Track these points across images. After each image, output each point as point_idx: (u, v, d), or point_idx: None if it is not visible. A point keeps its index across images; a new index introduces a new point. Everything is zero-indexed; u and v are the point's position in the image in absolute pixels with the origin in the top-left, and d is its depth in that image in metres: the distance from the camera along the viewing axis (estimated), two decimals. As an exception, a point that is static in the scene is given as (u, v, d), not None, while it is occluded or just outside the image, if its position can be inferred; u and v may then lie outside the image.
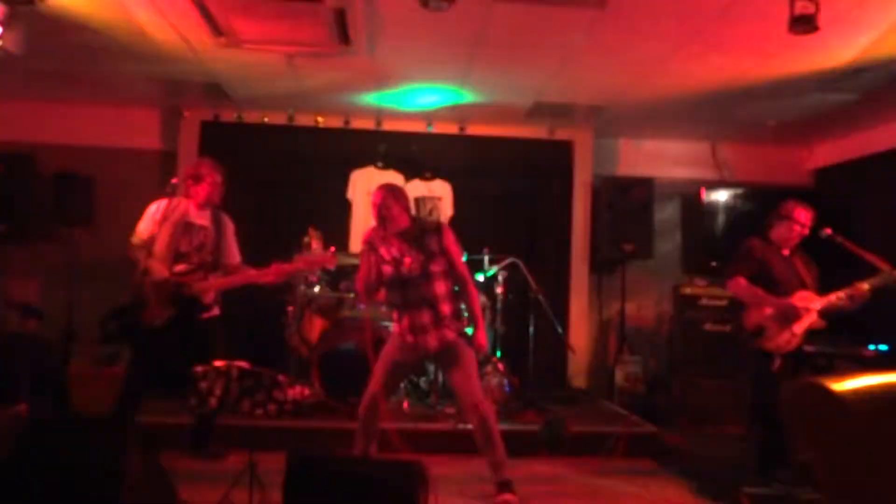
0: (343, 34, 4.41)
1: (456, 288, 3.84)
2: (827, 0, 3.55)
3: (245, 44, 4.61)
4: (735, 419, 5.63)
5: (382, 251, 3.78)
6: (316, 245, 5.62)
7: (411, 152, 6.50)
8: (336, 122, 6.43)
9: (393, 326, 4.06)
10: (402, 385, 5.14)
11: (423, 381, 5.30)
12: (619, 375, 6.30)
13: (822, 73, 4.86)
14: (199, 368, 3.42)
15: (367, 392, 3.82)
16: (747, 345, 4.23)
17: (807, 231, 4.25)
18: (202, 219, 4.34)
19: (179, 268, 4.23)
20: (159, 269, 4.16)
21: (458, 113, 6.23)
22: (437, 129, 6.55)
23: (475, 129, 6.60)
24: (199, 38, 4.55)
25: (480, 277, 5.69)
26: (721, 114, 5.99)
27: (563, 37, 4.41)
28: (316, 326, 5.56)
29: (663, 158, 6.99)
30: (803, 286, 4.22)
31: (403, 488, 2.93)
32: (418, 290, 3.74)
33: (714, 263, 6.33)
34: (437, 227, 3.82)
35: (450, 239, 3.78)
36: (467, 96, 5.77)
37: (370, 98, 5.92)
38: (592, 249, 6.70)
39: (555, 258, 6.76)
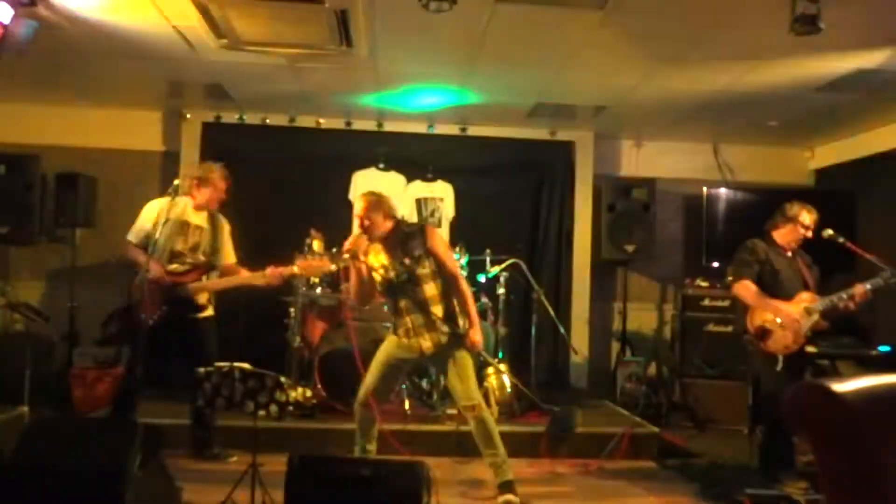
0: (345, 36, 4.41)
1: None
2: (829, 0, 3.55)
3: (247, 46, 4.61)
4: (737, 420, 5.63)
5: (370, 259, 3.81)
6: (318, 247, 5.62)
7: (413, 153, 6.51)
8: (337, 124, 6.44)
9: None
10: (403, 386, 5.14)
11: (424, 382, 5.30)
12: (620, 376, 6.29)
13: (822, 74, 4.86)
14: (202, 370, 3.42)
15: (362, 387, 3.86)
16: (750, 346, 4.22)
17: (811, 234, 4.25)
18: (199, 219, 4.35)
19: (174, 267, 4.24)
20: (155, 268, 4.16)
21: (460, 114, 6.24)
22: (439, 129, 6.56)
23: (477, 130, 6.61)
24: (201, 40, 4.56)
25: (482, 278, 5.70)
26: (723, 114, 5.99)
27: (564, 38, 4.41)
28: (317, 328, 5.56)
29: (665, 159, 6.99)
30: (806, 287, 4.21)
31: (405, 489, 2.93)
32: (409, 294, 3.75)
33: (716, 264, 6.33)
34: (421, 230, 3.82)
35: (434, 240, 3.78)
36: (469, 97, 5.77)
37: (371, 99, 5.92)
38: (594, 250, 6.70)
39: (556, 259, 6.76)
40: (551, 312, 5.60)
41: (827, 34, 3.66)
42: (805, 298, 4.15)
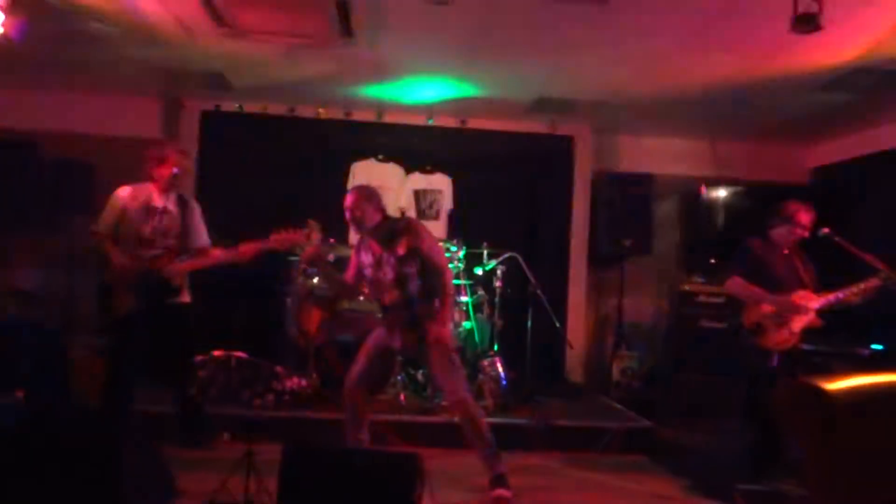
0: (345, 26, 4.41)
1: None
2: (830, -1, 3.55)
3: (247, 34, 4.61)
4: (730, 416, 5.65)
5: (363, 253, 3.86)
6: (315, 237, 5.62)
7: (412, 145, 6.51)
8: (337, 114, 6.43)
9: None
10: (399, 377, 5.16)
11: (420, 374, 5.32)
12: (615, 371, 6.32)
13: (822, 72, 4.86)
14: (198, 358, 3.43)
15: (350, 375, 3.88)
16: (745, 342, 4.25)
17: (807, 233, 4.27)
18: (166, 202, 4.29)
19: (144, 253, 4.19)
20: (121, 257, 4.15)
21: (460, 106, 6.23)
22: (438, 122, 6.54)
23: (476, 123, 6.60)
24: (201, 27, 4.55)
25: (479, 271, 5.71)
26: (721, 111, 5.99)
27: (565, 32, 4.41)
28: (314, 318, 5.57)
29: (663, 155, 6.99)
30: (802, 285, 4.24)
31: (399, 480, 2.95)
32: (393, 291, 3.77)
33: (713, 260, 6.34)
34: (406, 226, 3.82)
35: (420, 236, 3.77)
36: (469, 90, 5.76)
37: (371, 90, 5.91)
38: (591, 245, 6.72)
39: (554, 253, 6.77)
40: (547, 306, 5.61)
41: (827, 32, 3.67)
42: (801, 297, 4.18)
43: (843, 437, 1.36)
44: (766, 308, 4.17)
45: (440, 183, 6.49)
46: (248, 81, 5.80)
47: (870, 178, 6.28)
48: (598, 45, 4.62)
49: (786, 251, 4.32)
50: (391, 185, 6.36)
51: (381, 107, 6.39)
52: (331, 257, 5.06)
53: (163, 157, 4.27)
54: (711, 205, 6.62)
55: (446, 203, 6.49)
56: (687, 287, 6.30)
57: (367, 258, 3.86)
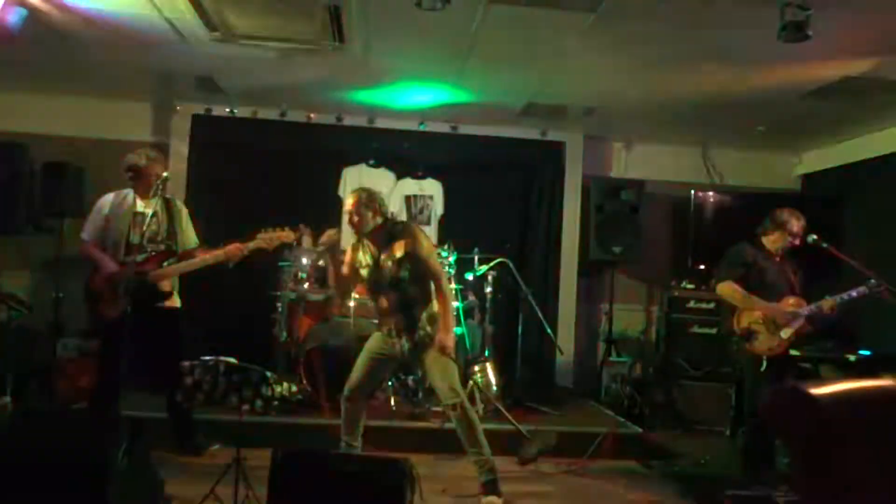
0: (337, 32, 4.41)
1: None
2: (817, 8, 3.58)
3: (239, 39, 4.60)
4: (720, 421, 5.68)
5: (358, 256, 3.85)
6: (307, 243, 5.63)
7: (403, 150, 6.51)
8: (328, 119, 6.43)
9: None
10: (389, 383, 5.15)
11: (410, 380, 5.31)
12: (605, 376, 6.33)
13: (811, 81, 4.90)
14: (185, 363, 3.41)
15: (348, 383, 3.88)
16: (735, 348, 4.27)
17: (798, 241, 4.31)
18: (151, 207, 4.23)
19: (132, 258, 4.14)
20: (109, 264, 4.14)
21: (451, 112, 6.24)
22: (430, 127, 6.55)
23: (467, 129, 6.61)
24: (193, 31, 4.54)
25: (470, 276, 5.71)
26: (712, 118, 6.03)
27: (557, 39, 4.42)
28: (304, 324, 5.57)
29: (654, 161, 7.03)
30: (792, 292, 4.27)
31: (389, 486, 2.94)
32: (391, 294, 3.78)
33: (702, 267, 6.38)
34: (406, 230, 3.83)
35: (418, 241, 3.78)
36: (460, 95, 5.77)
37: (363, 95, 5.91)
38: (582, 250, 6.73)
39: (544, 258, 6.79)
40: (538, 312, 5.62)
41: (815, 42, 3.70)
42: (791, 303, 4.21)
43: (833, 443, 1.37)
44: (757, 313, 4.19)
45: (431, 188, 6.50)
46: (240, 85, 5.80)
47: (858, 185, 6.34)
48: (589, 52, 4.63)
49: (777, 257, 4.35)
50: (382, 190, 6.34)
51: (372, 112, 6.39)
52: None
53: (141, 163, 4.24)
54: (701, 211, 6.66)
55: (437, 208, 6.50)
56: (677, 293, 6.33)
57: (364, 258, 3.85)
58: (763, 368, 4.13)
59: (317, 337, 5.28)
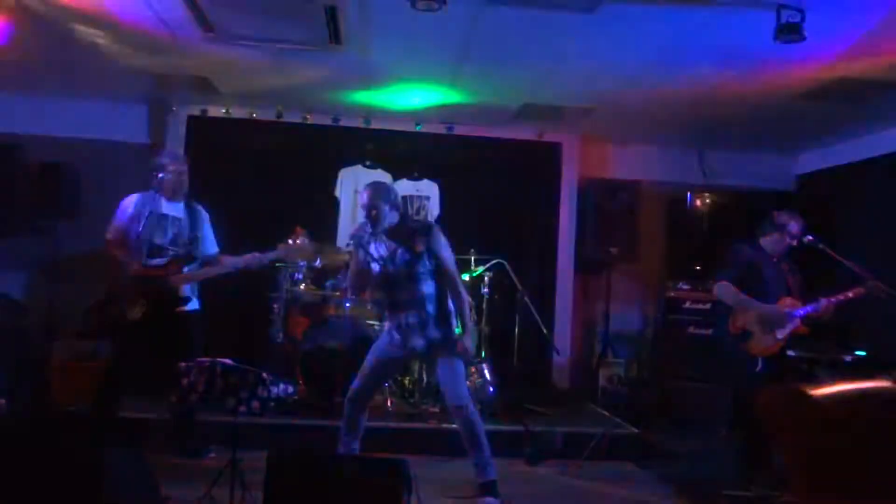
0: (333, 33, 4.41)
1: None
2: (813, 9, 3.59)
3: (235, 40, 4.59)
4: (717, 422, 5.67)
5: (371, 249, 3.79)
6: (302, 243, 5.61)
7: (399, 151, 6.51)
8: (324, 120, 6.42)
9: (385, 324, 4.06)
10: (386, 384, 5.14)
11: (407, 381, 5.30)
12: (602, 377, 6.34)
13: (806, 82, 4.91)
14: (182, 364, 3.41)
15: (353, 386, 3.84)
16: (731, 348, 4.27)
17: (797, 242, 4.32)
18: (175, 210, 4.28)
19: (155, 261, 4.18)
20: (133, 264, 4.14)
21: (447, 113, 6.24)
22: (426, 128, 6.56)
23: (464, 130, 6.62)
24: (189, 32, 4.53)
25: (466, 277, 5.71)
26: (708, 119, 6.04)
27: (553, 40, 4.43)
28: (300, 325, 5.56)
29: (650, 162, 7.04)
30: (789, 293, 4.27)
31: (386, 487, 2.94)
32: (405, 290, 3.74)
33: (698, 267, 6.38)
34: (427, 228, 3.79)
35: (439, 240, 3.75)
36: (456, 96, 5.77)
37: (360, 96, 5.91)
38: (578, 251, 6.74)
39: (541, 259, 6.79)
40: (534, 312, 5.62)
41: (810, 42, 3.71)
42: (788, 304, 4.21)
43: (828, 443, 1.37)
44: (753, 314, 4.20)
45: (427, 189, 6.49)
46: (236, 87, 5.79)
47: (855, 186, 6.35)
48: (585, 54, 4.64)
49: (775, 259, 4.36)
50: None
51: (368, 113, 6.38)
52: (318, 263, 5.06)
53: (160, 166, 4.26)
54: (698, 212, 6.66)
55: (433, 209, 6.49)
56: (673, 294, 6.32)
57: (380, 250, 3.77)
58: (758, 369, 4.14)
59: (313, 338, 5.27)
